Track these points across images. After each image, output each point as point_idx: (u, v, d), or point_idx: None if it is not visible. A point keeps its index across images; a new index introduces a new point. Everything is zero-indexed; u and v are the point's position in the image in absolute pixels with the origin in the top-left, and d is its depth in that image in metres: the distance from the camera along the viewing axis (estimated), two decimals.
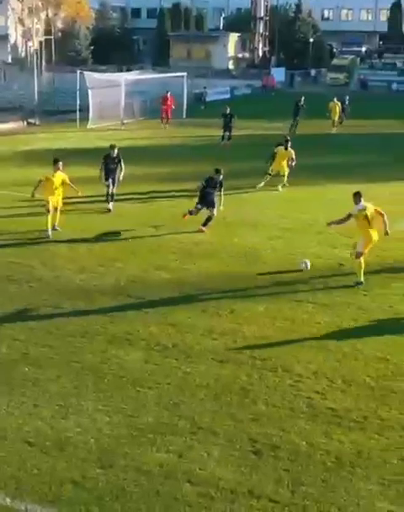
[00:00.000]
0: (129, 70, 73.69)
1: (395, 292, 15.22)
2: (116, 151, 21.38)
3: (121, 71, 76.18)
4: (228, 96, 66.62)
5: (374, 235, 15.43)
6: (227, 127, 36.47)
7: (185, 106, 49.32)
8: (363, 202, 15.54)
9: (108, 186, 21.38)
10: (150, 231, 19.72)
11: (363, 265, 15.43)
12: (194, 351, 12.18)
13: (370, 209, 15.47)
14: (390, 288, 15.49)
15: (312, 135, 39.73)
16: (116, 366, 11.58)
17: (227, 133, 36.53)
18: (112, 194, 21.54)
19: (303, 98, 42.53)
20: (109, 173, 21.29)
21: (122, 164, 21.42)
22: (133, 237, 18.97)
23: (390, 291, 15.28)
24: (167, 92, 43.58)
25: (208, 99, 59.48)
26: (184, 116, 47.68)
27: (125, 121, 43.70)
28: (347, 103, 44.67)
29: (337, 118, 41.60)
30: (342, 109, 43.57)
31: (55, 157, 19.05)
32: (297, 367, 11.65)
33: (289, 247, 18.40)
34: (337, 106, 41.62)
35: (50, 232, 18.44)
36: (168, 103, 43.08)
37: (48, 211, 18.35)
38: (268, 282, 15.76)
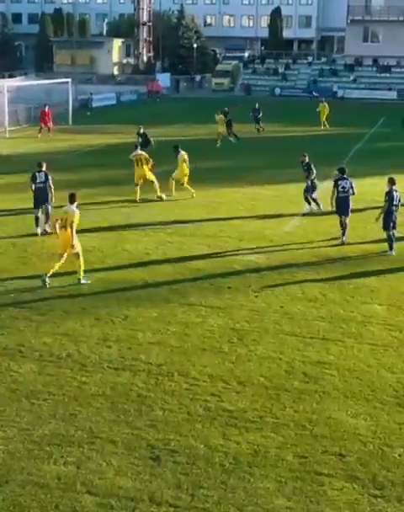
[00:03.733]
0: (12, 76, 72.41)
1: (284, 293, 15.54)
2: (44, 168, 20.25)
3: (3, 77, 74.82)
4: (114, 102, 66.52)
5: None
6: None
7: (71, 112, 48.88)
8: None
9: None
10: (40, 239, 19.44)
11: None
12: (88, 360, 12.06)
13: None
14: (279, 288, 15.80)
15: (198, 140, 40.14)
16: (9, 379, 11.34)
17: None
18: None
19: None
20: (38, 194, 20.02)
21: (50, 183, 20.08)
22: (23, 249, 18.63)
23: (279, 292, 15.59)
24: (45, 105, 42.57)
25: (94, 105, 59.19)
26: (70, 123, 47.22)
27: (10, 129, 42.83)
28: (257, 108, 44.27)
29: (221, 130, 40.38)
30: (256, 118, 43.98)
31: (72, 193, 16.33)
32: (192, 371, 11.72)
33: (179, 251, 18.50)
34: (221, 119, 40.21)
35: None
36: (46, 117, 41.88)
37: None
38: (160, 287, 15.80)
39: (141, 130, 31.51)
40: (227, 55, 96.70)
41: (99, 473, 8.97)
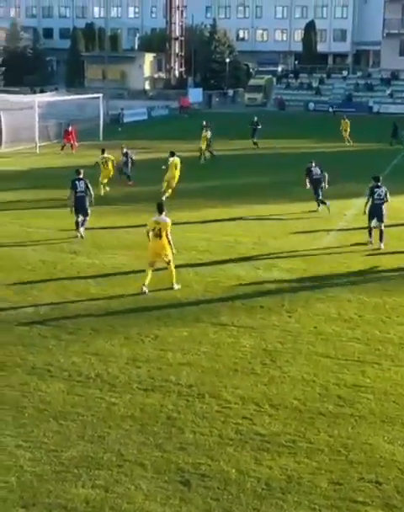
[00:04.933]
0: (42, 92, 73.30)
1: (318, 313, 15.43)
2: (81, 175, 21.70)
3: (34, 92, 75.76)
4: (145, 117, 67.03)
5: None
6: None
7: (102, 128, 49.26)
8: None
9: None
10: (68, 256, 19.56)
11: None
12: (117, 381, 12.05)
13: None
14: (313, 308, 15.70)
15: (228, 156, 40.24)
16: (37, 399, 11.36)
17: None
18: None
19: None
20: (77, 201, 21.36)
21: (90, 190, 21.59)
22: (53, 266, 18.76)
23: (313, 312, 15.48)
24: (69, 125, 42.96)
25: (125, 121, 59.64)
26: (101, 139, 47.60)
27: (40, 145, 43.29)
28: (255, 121, 44.43)
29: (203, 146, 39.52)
30: (254, 132, 44.10)
31: (160, 203, 17.10)
32: (224, 393, 11.65)
33: (210, 269, 18.47)
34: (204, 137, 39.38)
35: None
36: (70, 135, 42.10)
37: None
38: (191, 306, 15.77)
39: (125, 150, 31.84)
40: (260, 69, 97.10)
41: (128, 497, 8.93)
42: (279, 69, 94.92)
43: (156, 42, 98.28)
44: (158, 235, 16.42)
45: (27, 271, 18.21)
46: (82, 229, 21.56)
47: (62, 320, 14.79)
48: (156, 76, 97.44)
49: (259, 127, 43.89)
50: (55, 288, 16.88)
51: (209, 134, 38.74)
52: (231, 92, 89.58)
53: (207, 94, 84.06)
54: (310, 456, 9.88)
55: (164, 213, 16.60)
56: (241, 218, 24.78)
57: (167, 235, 16.43)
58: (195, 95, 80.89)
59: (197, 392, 11.68)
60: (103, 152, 29.39)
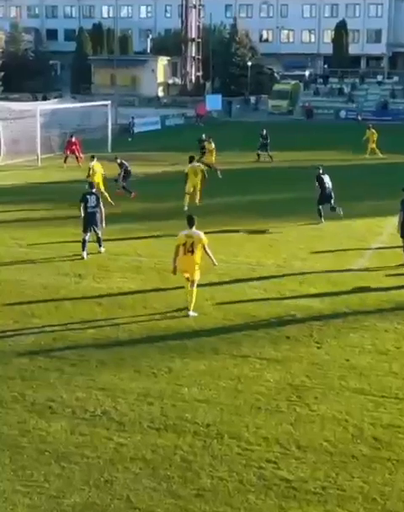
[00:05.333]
0: (45, 98, 74.01)
1: (351, 344, 15.37)
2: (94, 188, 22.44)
3: (36, 99, 76.53)
4: (158, 127, 67.48)
5: None
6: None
7: (110, 139, 49.62)
8: None
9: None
10: (72, 280, 19.64)
11: None
12: (127, 419, 12.04)
13: None
14: (346, 339, 15.64)
15: (249, 169, 40.38)
16: (37, 439, 11.37)
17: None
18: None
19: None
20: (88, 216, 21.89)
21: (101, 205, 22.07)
22: (56, 291, 18.83)
23: (345, 343, 15.43)
24: (71, 135, 43.04)
25: (136, 130, 60.01)
26: (109, 150, 47.89)
27: (43, 157, 43.62)
28: (265, 135, 44.68)
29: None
30: (264, 146, 44.33)
31: (191, 216, 17.31)
32: (245, 433, 11.61)
33: (231, 295, 18.47)
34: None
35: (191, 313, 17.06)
36: (74, 147, 42.07)
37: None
38: (209, 335, 15.77)
39: (119, 160, 32.14)
40: (286, 74, 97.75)
41: None
42: (307, 73, 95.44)
43: (171, 44, 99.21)
44: (190, 250, 16.69)
45: (27, 296, 18.29)
46: (102, 249, 22.21)
47: (65, 351, 14.83)
48: (170, 81, 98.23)
49: (268, 141, 44.25)
50: (58, 315, 16.93)
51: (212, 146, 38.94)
52: (253, 99, 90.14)
53: (227, 101, 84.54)
54: (343, 505, 9.80)
55: (194, 227, 16.89)
56: (263, 237, 24.81)
57: (205, 250, 16.78)
58: (213, 102, 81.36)
59: (215, 431, 11.65)
60: (92, 158, 30.64)
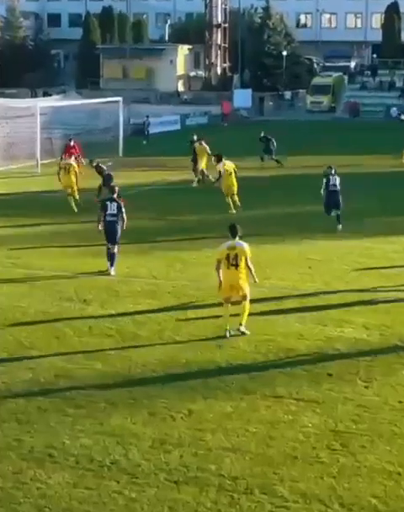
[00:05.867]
0: (46, 94, 74.58)
1: None
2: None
3: (35, 96, 77.14)
4: (178, 127, 67.75)
5: None
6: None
7: (121, 141, 49.87)
8: None
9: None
10: (78, 307, 19.71)
11: None
12: (140, 470, 12.04)
13: None
14: (397, 377, 15.58)
15: (282, 176, 40.43)
16: (35, 493, 11.37)
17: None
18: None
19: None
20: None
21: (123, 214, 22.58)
22: (57, 319, 18.92)
23: (398, 382, 15.36)
24: (70, 139, 42.57)
25: (151, 132, 60.23)
26: (120, 154, 48.19)
27: (43, 162, 43.85)
28: (269, 138, 45.66)
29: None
30: (268, 149, 45.09)
31: (234, 225, 18.04)
32: (279, 487, 11.57)
33: (263, 324, 18.46)
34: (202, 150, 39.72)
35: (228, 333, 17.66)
36: (73, 150, 41.86)
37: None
38: (237, 371, 15.75)
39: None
40: (327, 65, 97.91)
41: None
42: (352, 64, 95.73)
43: (193, 31, 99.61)
44: (234, 264, 17.24)
45: (25, 325, 18.36)
46: (112, 270, 22.47)
47: (69, 390, 14.84)
48: (192, 74, 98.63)
49: (271, 144, 45.08)
50: (60, 347, 16.97)
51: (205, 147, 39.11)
52: (288, 94, 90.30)
53: (258, 97, 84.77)
54: None
55: (238, 237, 17.50)
56: (299, 256, 24.83)
57: (247, 264, 17.33)
58: (242, 98, 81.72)
59: (244, 485, 11.61)
60: (70, 157, 33.81)
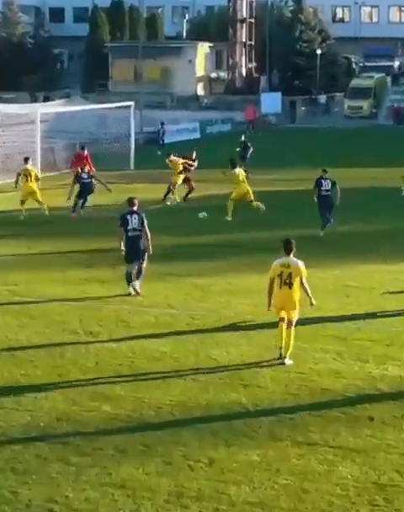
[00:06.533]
0: (48, 99, 74.97)
1: None
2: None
3: (36, 100, 77.57)
4: (197, 136, 67.87)
5: None
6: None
7: (133, 151, 49.99)
8: None
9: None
10: (83, 340, 19.72)
11: None
12: None
13: None
14: None
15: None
16: None
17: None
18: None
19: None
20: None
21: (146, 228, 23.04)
22: (59, 354, 18.94)
23: None
24: (83, 147, 43.05)
25: (167, 141, 60.38)
26: (132, 166, 48.32)
27: (43, 175, 43.96)
28: (245, 142, 46.95)
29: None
30: (244, 157, 46.35)
31: (288, 241, 18.88)
32: None
33: (294, 360, 18.42)
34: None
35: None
36: (86, 160, 41.80)
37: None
38: (264, 415, 15.71)
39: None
40: (368, 65, 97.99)
41: None
42: (396, 64, 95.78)
43: (214, 26, 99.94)
44: (288, 283, 17.96)
45: (22, 363, 18.38)
46: (137, 283, 23.00)
47: (72, 436, 14.82)
48: (213, 75, 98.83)
49: (251, 150, 46.84)
50: (63, 388, 16.97)
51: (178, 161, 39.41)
52: (323, 98, 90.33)
53: (289, 102, 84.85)
54: None
55: (293, 253, 18.22)
56: (335, 282, 24.86)
57: (302, 284, 18.12)
58: (271, 103, 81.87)
59: None
60: (26, 161, 35.52)
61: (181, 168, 38.90)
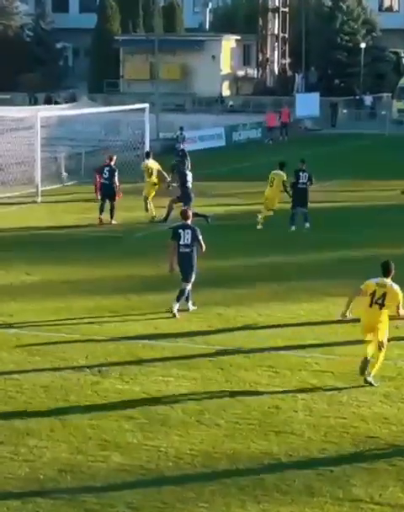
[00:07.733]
0: (50, 101, 75.31)
1: None
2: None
3: (36, 102, 77.91)
4: (222, 143, 67.96)
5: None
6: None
7: None
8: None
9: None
10: (89, 379, 19.75)
11: None
12: None
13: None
14: None
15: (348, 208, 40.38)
16: None
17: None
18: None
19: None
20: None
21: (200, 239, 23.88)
22: (62, 397, 18.98)
23: None
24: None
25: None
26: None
27: (44, 189, 44.06)
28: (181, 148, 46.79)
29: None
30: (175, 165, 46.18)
31: (388, 263, 19.76)
32: None
33: (332, 404, 18.41)
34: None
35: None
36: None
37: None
38: (300, 467, 15.70)
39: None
40: None
41: None
42: None
43: (241, 18, 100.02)
44: (380, 303, 18.97)
45: (20, 404, 18.43)
46: (190, 304, 24.42)
47: (77, 490, 14.85)
48: (240, 73, 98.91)
49: (184, 160, 47.93)
50: (66, 434, 16.99)
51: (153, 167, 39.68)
52: (368, 99, 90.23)
53: (329, 104, 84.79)
54: None
55: (391, 276, 19.21)
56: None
57: (398, 310, 19.02)
58: (307, 105, 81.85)
59: None
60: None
61: (155, 180, 39.31)
